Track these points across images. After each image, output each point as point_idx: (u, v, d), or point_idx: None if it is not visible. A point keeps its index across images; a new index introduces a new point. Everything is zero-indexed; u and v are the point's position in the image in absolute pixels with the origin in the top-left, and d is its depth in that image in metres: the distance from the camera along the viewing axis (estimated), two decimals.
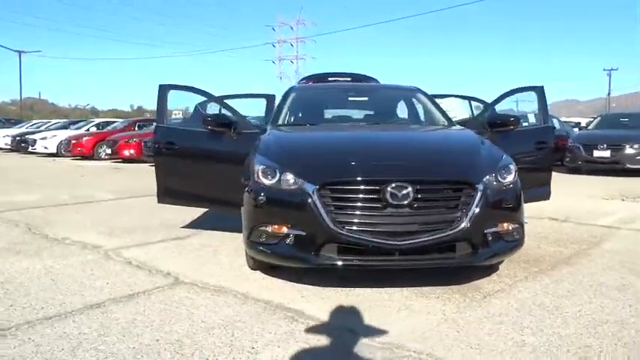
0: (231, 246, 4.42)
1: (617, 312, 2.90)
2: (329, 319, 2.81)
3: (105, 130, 19.15)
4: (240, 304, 3.02)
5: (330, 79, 6.29)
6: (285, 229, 3.10)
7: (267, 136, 3.94)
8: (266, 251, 3.23)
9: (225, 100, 4.91)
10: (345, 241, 2.98)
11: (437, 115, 4.67)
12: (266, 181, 3.21)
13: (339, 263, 3.04)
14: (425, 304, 3.02)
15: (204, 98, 4.92)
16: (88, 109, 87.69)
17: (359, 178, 3.04)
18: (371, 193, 3.00)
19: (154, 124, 4.77)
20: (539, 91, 4.70)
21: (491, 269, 3.59)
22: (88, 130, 20.15)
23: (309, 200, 3.00)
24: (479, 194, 3.05)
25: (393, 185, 2.92)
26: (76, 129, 20.91)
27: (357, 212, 3.01)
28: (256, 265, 3.57)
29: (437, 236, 2.98)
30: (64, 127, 22.35)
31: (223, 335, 2.58)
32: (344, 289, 3.26)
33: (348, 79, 6.37)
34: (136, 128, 17.94)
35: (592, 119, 15.30)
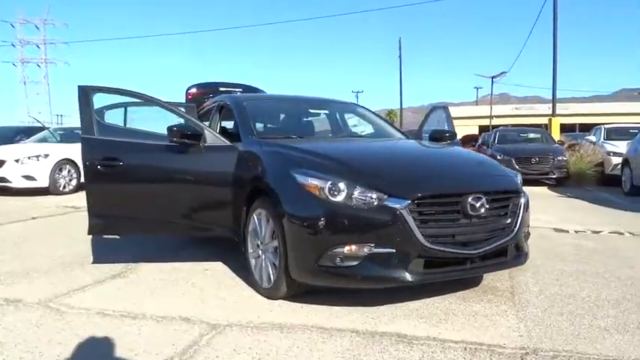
0: (198, 275, 3.76)
1: None
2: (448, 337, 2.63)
3: None
4: (338, 337, 2.61)
5: (221, 89, 6.10)
6: (366, 249, 2.77)
7: (273, 148, 3.49)
8: (346, 275, 2.82)
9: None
10: (433, 255, 2.85)
11: (393, 129, 4.76)
12: (333, 198, 2.82)
13: (426, 278, 2.91)
14: (488, 307, 3.07)
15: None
16: None
17: (445, 192, 2.96)
18: (452, 205, 2.93)
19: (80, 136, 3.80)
20: (445, 109, 5.46)
21: None
22: None
23: (399, 216, 2.77)
24: (523, 200, 3.24)
25: (472, 197, 2.91)
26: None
27: (440, 225, 2.92)
28: (290, 292, 3.09)
29: (501, 242, 3.07)
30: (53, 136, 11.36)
31: None
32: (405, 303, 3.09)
33: (240, 89, 6.28)
34: None
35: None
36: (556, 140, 13.85)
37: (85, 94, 3.78)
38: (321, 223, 2.80)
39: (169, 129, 3.59)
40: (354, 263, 2.80)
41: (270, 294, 3.20)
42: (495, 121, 34.52)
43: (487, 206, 2.96)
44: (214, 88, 6.14)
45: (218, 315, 2.95)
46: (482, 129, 33.14)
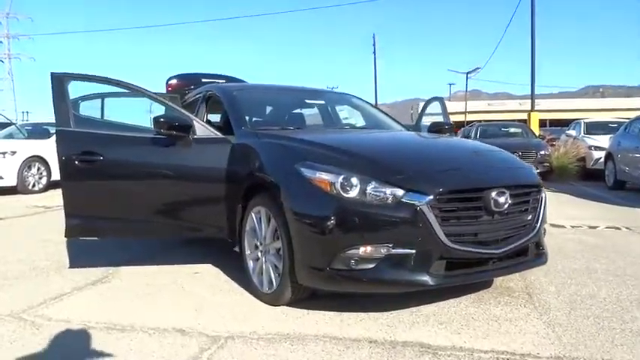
0: (188, 279, 3.46)
1: None
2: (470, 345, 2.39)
3: None
4: (355, 348, 2.34)
5: (203, 80, 5.72)
6: (383, 250, 2.51)
7: (272, 139, 3.20)
8: (361, 279, 2.55)
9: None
10: (456, 256, 2.60)
11: (392, 120, 4.51)
12: (345, 195, 2.55)
13: (448, 281, 2.66)
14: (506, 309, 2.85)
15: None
16: None
17: (468, 186, 2.71)
18: (474, 202, 2.69)
19: (55, 128, 3.43)
20: (441, 100, 5.24)
21: None
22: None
23: (420, 213, 2.50)
24: (543, 195, 3.02)
25: (496, 192, 2.67)
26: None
27: (462, 222, 2.67)
28: (295, 297, 2.81)
29: (523, 240, 2.86)
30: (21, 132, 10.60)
31: None
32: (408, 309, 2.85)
33: (223, 80, 5.96)
34: None
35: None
36: (537, 135, 13.85)
37: (59, 82, 3.41)
38: (333, 222, 2.53)
39: (156, 120, 3.26)
40: (370, 266, 2.54)
41: (271, 300, 2.91)
42: (469, 117, 34.74)
43: (510, 201, 2.73)
44: (196, 80, 5.78)
45: (217, 325, 2.65)
46: (457, 124, 33.28)
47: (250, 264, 3.15)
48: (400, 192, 2.54)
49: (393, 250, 2.51)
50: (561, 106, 43.65)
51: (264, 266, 3.00)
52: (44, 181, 9.53)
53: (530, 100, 16.13)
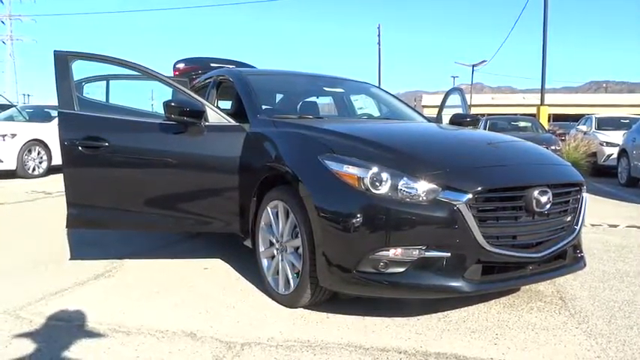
0: (197, 276, 3.25)
1: None
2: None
3: None
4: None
5: (212, 64, 5.52)
6: (415, 253, 2.29)
7: (292, 129, 2.97)
8: (391, 283, 2.33)
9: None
10: (493, 260, 2.38)
11: (413, 111, 4.27)
12: (375, 191, 2.33)
13: (484, 287, 2.44)
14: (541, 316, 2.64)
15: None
16: None
17: (511, 184, 2.47)
18: (514, 201, 2.46)
19: (57, 111, 3.20)
20: (461, 91, 5.05)
21: None
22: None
23: (457, 212, 2.28)
24: (584, 195, 2.81)
25: (538, 190, 2.44)
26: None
27: (501, 223, 2.45)
28: (314, 300, 2.60)
29: (563, 243, 2.64)
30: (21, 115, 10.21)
31: None
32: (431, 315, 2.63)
33: (233, 65, 5.71)
34: None
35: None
36: (547, 129, 13.61)
37: (63, 61, 3.19)
38: (361, 220, 2.30)
39: (166, 104, 3.03)
40: (401, 270, 2.32)
41: (289, 302, 2.70)
42: (473, 110, 34.36)
43: (552, 201, 2.51)
44: (205, 64, 5.54)
45: (230, 329, 2.44)
46: None
47: (264, 262, 2.94)
48: (436, 189, 2.32)
49: (427, 253, 2.30)
50: (565, 100, 43.28)
51: (280, 265, 2.79)
52: (45, 165, 9.31)
53: (533, 95, 15.93)
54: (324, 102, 4.63)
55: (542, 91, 15.62)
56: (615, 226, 5.37)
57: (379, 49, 38.37)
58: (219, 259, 3.66)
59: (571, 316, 2.70)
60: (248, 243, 3.17)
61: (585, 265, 2.89)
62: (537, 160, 2.85)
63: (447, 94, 5.02)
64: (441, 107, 4.74)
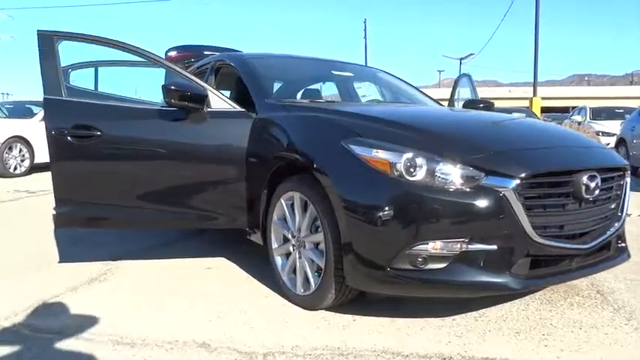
0: (200, 276, 2.97)
1: None
2: None
3: None
4: None
5: (206, 52, 5.11)
6: (458, 246, 2.03)
7: (307, 112, 2.70)
8: (430, 281, 2.07)
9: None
10: (543, 252, 2.14)
11: (427, 98, 4.01)
12: (410, 178, 2.07)
13: (531, 283, 2.19)
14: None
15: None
16: None
17: (560, 168, 2.22)
18: (562, 187, 2.21)
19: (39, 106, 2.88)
20: (469, 77, 4.83)
21: None
22: None
23: (504, 200, 2.03)
24: (628, 180, 2.58)
25: (587, 175, 2.20)
26: None
27: (548, 212, 2.19)
28: (338, 301, 2.34)
29: (610, 233, 2.41)
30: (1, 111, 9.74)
31: None
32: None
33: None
34: None
35: None
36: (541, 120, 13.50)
37: (48, 41, 2.88)
38: (395, 212, 2.04)
39: (165, 88, 2.74)
40: (441, 265, 2.06)
41: (308, 303, 2.44)
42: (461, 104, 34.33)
43: (600, 187, 2.27)
44: (198, 51, 5.22)
45: (247, 337, 2.17)
46: None
47: (278, 260, 2.67)
48: (479, 174, 2.06)
49: (470, 246, 2.04)
50: (550, 93, 43.49)
51: (297, 263, 2.52)
52: (27, 163, 8.88)
53: (519, 88, 15.85)
54: (327, 92, 4.36)
55: (535, 83, 15.56)
56: (629, 215, 5.19)
57: (365, 43, 38.21)
58: (221, 258, 3.38)
59: (616, 312, 2.47)
60: (257, 239, 2.89)
61: (629, 256, 2.66)
62: (580, 143, 2.60)
63: (457, 80, 4.80)
64: (453, 93, 4.51)
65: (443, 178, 2.06)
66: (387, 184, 2.08)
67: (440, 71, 49.94)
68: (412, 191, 2.05)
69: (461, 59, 32.37)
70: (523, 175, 2.06)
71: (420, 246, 2.04)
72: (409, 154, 2.08)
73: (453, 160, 2.08)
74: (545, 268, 2.22)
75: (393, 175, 2.08)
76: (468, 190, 2.05)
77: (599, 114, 12.14)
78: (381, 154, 2.12)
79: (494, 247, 2.04)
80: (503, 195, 2.03)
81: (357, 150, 2.18)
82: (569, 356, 2.00)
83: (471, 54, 31.79)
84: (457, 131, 2.45)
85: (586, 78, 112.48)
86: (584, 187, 2.18)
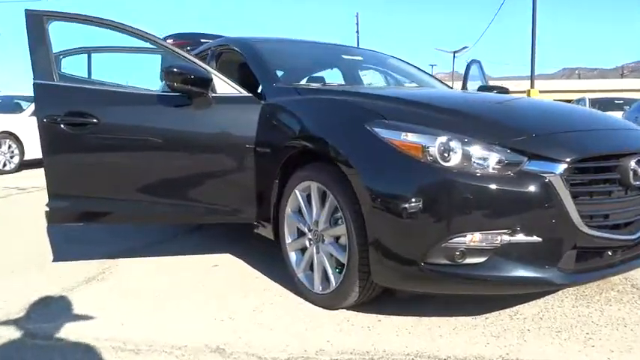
0: (206, 274, 2.76)
1: None
2: None
3: None
4: None
5: (202, 40, 4.90)
6: (498, 239, 1.83)
7: (322, 95, 2.49)
8: (469, 277, 1.88)
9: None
10: (591, 244, 1.95)
11: (441, 84, 3.82)
12: (445, 163, 1.87)
13: (577, 278, 1.98)
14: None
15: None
16: None
17: (608, 152, 2.03)
18: (609, 172, 2.02)
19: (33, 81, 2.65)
20: (479, 63, 4.63)
21: None
22: None
23: (550, 187, 1.83)
24: None
25: (635, 159, 2.00)
26: None
27: (595, 200, 2.00)
28: (362, 299, 2.15)
29: None
30: None
31: None
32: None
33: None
34: None
35: None
36: None
37: (37, 22, 2.65)
38: (429, 201, 1.85)
39: (167, 70, 2.52)
40: (481, 260, 1.87)
41: (328, 302, 2.24)
42: None
43: None
44: (195, 39, 5.01)
45: (265, 340, 1.97)
46: None
47: (293, 256, 2.46)
48: (521, 159, 1.87)
49: (512, 239, 1.84)
50: (542, 87, 43.56)
51: (315, 258, 2.32)
52: (16, 160, 8.59)
53: (510, 82, 15.76)
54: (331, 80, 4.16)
55: (532, 75, 15.46)
56: None
57: (357, 37, 37.95)
58: (228, 254, 3.18)
59: None
60: (266, 233, 2.69)
61: None
62: (621, 125, 2.42)
63: (469, 67, 4.62)
64: (465, 80, 4.33)
65: (481, 164, 1.87)
66: (420, 171, 1.88)
67: (432, 65, 49.67)
68: (448, 178, 1.85)
69: (454, 52, 32.22)
70: (570, 159, 1.87)
71: (458, 238, 1.84)
72: (443, 137, 1.89)
73: (491, 144, 1.89)
74: (590, 262, 2.03)
75: (426, 161, 1.88)
76: (509, 176, 1.85)
77: (598, 105, 12.02)
78: (412, 138, 1.92)
79: (539, 239, 1.85)
80: (549, 181, 1.84)
81: (384, 134, 1.98)
82: (621, 357, 1.82)
83: (465, 47, 31.65)
84: (492, 113, 2.25)
85: (577, 71, 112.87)
86: (632, 173, 2.00)
